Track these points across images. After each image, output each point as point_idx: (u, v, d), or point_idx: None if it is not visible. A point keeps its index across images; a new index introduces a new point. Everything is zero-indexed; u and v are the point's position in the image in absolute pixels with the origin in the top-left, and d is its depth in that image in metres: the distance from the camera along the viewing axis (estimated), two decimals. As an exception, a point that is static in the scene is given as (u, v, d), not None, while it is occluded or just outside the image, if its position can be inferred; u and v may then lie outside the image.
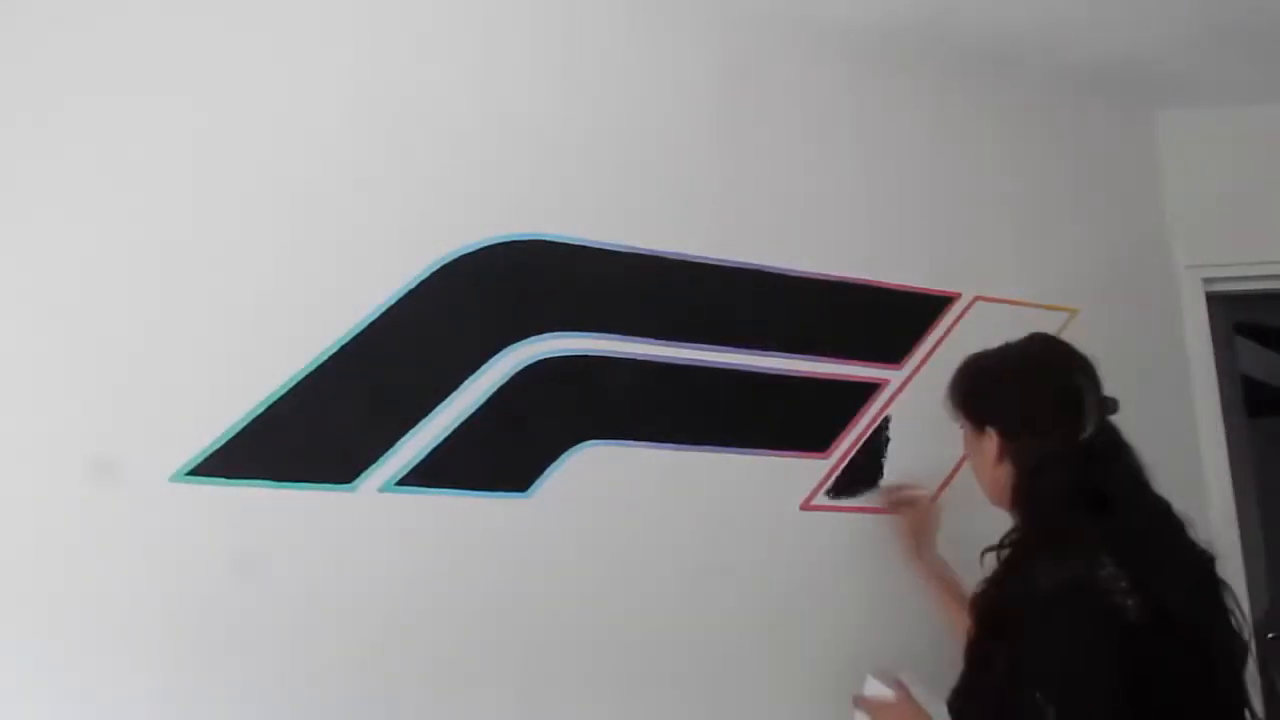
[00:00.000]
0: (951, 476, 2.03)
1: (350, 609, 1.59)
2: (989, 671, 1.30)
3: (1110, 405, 1.41)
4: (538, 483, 1.74)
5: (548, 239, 1.83)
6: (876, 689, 1.62)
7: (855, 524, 1.96)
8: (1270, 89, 2.40)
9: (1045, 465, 1.37)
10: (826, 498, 1.95)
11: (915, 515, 1.89)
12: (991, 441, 1.46)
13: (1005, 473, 1.44)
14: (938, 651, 1.93)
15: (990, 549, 1.41)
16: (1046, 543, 1.32)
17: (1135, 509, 1.35)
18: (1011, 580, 1.33)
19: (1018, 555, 1.36)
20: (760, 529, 1.88)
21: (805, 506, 1.93)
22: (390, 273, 1.71)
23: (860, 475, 1.99)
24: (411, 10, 1.83)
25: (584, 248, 1.85)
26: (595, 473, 1.78)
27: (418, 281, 1.72)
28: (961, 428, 1.55)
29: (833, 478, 1.96)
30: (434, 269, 1.74)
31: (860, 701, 1.63)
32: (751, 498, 1.89)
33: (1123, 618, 1.21)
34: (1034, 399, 1.44)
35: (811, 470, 1.94)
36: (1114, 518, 1.31)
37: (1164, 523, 1.37)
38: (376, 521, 1.63)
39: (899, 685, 1.57)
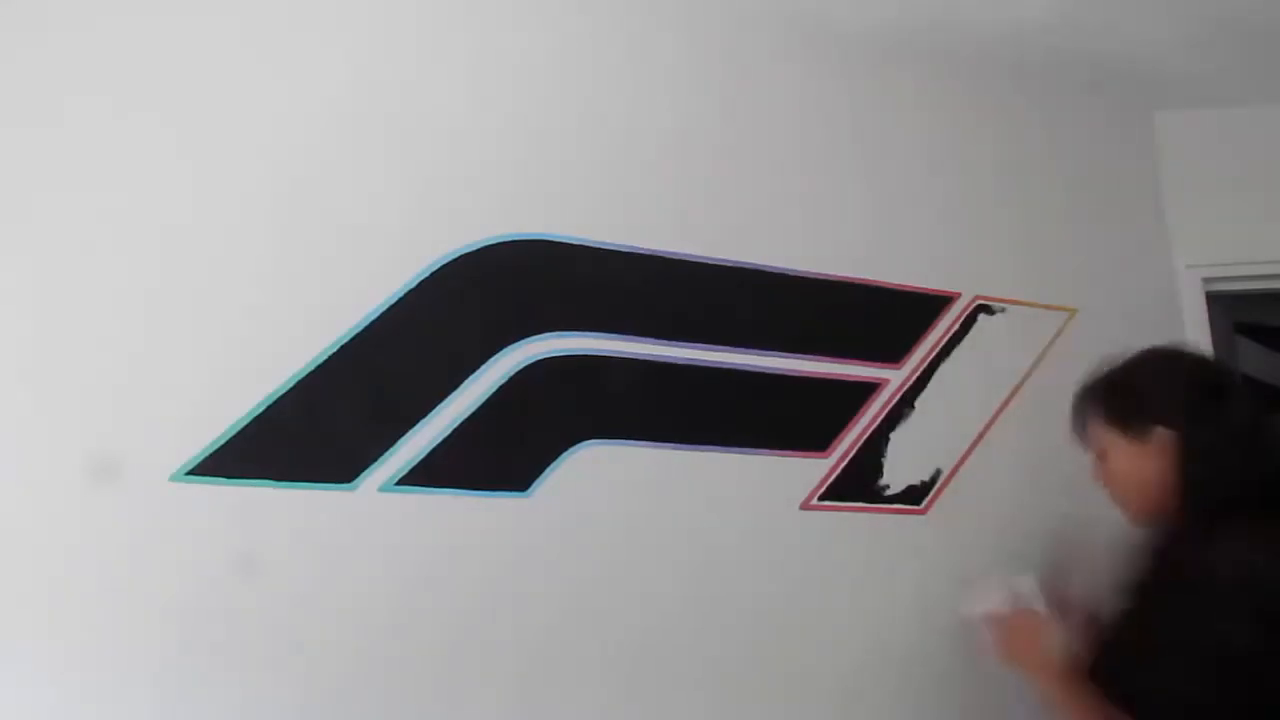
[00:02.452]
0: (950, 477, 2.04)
1: (350, 608, 1.59)
2: (1138, 631, 1.31)
3: (1254, 398, 1.43)
4: (538, 482, 1.74)
5: (548, 239, 1.83)
6: (1030, 588, 1.55)
7: (855, 524, 1.96)
8: (1270, 89, 2.40)
9: (1209, 454, 1.37)
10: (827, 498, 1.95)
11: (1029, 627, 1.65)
12: (1159, 444, 1.43)
13: (1161, 477, 1.42)
14: (938, 651, 1.94)
15: (1157, 533, 1.40)
16: (1213, 525, 1.31)
17: None
18: (1175, 554, 1.34)
19: (1184, 532, 1.35)
20: (760, 529, 1.88)
21: (805, 506, 1.93)
22: (390, 272, 1.71)
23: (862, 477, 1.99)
24: (411, 10, 1.83)
25: (584, 247, 1.85)
26: (595, 473, 1.78)
27: (418, 281, 1.72)
28: (1097, 450, 1.52)
29: (832, 477, 1.96)
30: (434, 269, 1.74)
31: (1004, 587, 1.57)
32: (751, 498, 1.89)
33: (1272, 602, 1.22)
34: (1196, 394, 1.44)
35: (811, 470, 1.94)
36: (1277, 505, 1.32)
37: None
38: (377, 521, 1.63)
39: (1060, 600, 1.51)
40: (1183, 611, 1.28)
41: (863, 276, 2.07)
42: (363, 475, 1.63)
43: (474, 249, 1.77)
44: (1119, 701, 1.30)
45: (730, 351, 1.92)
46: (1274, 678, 1.22)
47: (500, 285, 1.79)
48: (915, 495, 2.02)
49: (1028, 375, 2.17)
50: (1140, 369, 1.52)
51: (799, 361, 1.97)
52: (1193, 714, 1.24)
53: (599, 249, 1.86)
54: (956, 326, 2.14)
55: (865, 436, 2.00)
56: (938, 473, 2.04)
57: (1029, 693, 1.53)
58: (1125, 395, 1.50)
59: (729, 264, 1.95)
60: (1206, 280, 2.39)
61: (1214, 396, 1.42)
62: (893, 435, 2.03)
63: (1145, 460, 1.45)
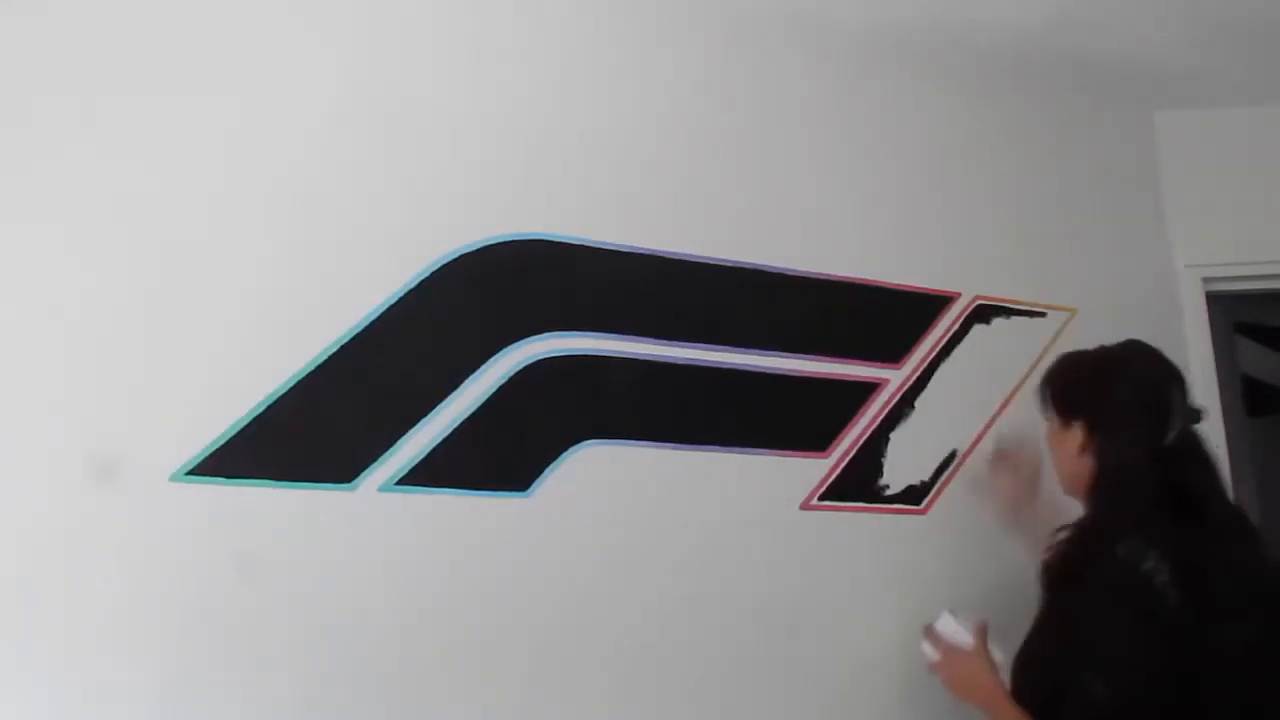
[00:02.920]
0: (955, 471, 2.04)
1: (350, 608, 1.59)
2: (1048, 640, 1.39)
3: (1194, 415, 1.47)
4: (538, 482, 1.74)
5: (548, 239, 1.83)
6: (951, 627, 1.58)
7: (855, 524, 1.96)
8: (1270, 89, 2.40)
9: (1125, 463, 1.43)
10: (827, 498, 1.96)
11: (1015, 480, 1.89)
12: (1076, 435, 1.50)
13: (1085, 466, 1.49)
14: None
15: (1063, 528, 1.46)
16: (1110, 530, 1.37)
17: (1206, 514, 1.40)
18: (1074, 561, 1.40)
19: (1083, 537, 1.42)
20: (760, 529, 1.88)
21: (805, 506, 1.93)
22: (390, 272, 1.71)
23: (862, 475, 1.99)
24: (411, 9, 1.83)
25: (584, 247, 1.85)
26: (595, 473, 1.78)
27: (418, 281, 1.72)
28: (1047, 419, 1.59)
29: (832, 477, 1.96)
30: (434, 269, 1.74)
31: (930, 634, 1.61)
32: (751, 497, 1.89)
33: (1162, 604, 1.28)
34: (1123, 398, 1.49)
35: (811, 470, 1.94)
36: (1184, 519, 1.37)
37: (1234, 532, 1.43)
38: (377, 521, 1.63)
39: (979, 631, 1.56)
40: (1080, 615, 1.35)
41: (863, 276, 2.07)
42: (363, 475, 1.63)
43: (474, 249, 1.77)
44: (1035, 709, 1.36)
45: (730, 351, 1.92)
46: (1174, 678, 1.27)
47: (500, 285, 1.79)
48: (915, 495, 2.02)
49: (1028, 375, 2.16)
50: (1095, 361, 1.58)
51: (799, 361, 1.97)
52: (1097, 715, 1.29)
53: (599, 249, 1.86)
54: (956, 326, 2.14)
55: (865, 436, 2.01)
56: (938, 473, 2.04)
57: None
58: (1067, 378, 1.58)
59: (729, 264, 1.95)
60: (1206, 280, 2.39)
61: (1146, 413, 1.45)
62: (893, 435, 2.03)
63: (1067, 445, 1.52)
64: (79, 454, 1.49)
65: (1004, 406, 2.12)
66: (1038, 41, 2.18)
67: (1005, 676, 1.48)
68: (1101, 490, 1.46)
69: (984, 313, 2.17)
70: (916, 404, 2.06)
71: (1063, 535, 1.45)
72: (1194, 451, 1.46)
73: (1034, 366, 2.17)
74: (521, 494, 1.73)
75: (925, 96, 2.24)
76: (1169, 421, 1.43)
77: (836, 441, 1.98)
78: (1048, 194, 2.31)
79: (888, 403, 2.04)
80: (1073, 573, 1.39)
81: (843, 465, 1.97)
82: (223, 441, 1.56)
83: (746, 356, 1.93)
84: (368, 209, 1.72)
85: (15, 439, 1.47)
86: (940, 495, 2.03)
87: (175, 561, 1.51)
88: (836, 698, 1.87)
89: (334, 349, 1.65)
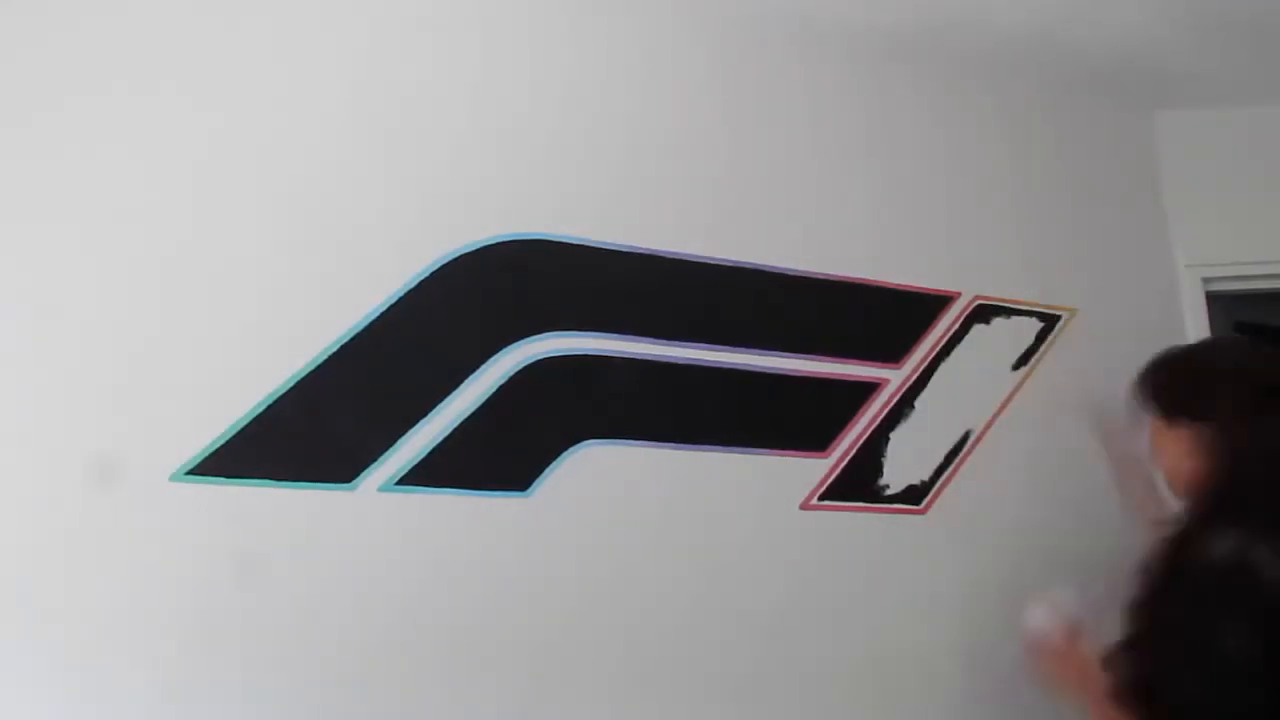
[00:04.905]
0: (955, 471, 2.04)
1: (350, 608, 1.59)
2: (1145, 627, 1.35)
3: None
4: (538, 482, 1.74)
5: (548, 239, 1.83)
6: (1060, 608, 1.56)
7: (855, 524, 1.96)
8: (1270, 89, 2.40)
9: (1236, 457, 1.40)
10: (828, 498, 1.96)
11: (1139, 467, 1.77)
12: (1184, 434, 1.46)
13: (1195, 465, 1.44)
14: (938, 650, 1.95)
15: (1169, 522, 1.43)
16: (1218, 520, 1.34)
17: None
18: (1175, 553, 1.37)
19: (1185, 532, 1.38)
20: (760, 529, 1.88)
21: (805, 506, 1.93)
22: (390, 272, 1.71)
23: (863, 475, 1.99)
24: (411, 10, 1.83)
25: (584, 247, 1.85)
26: (595, 473, 1.78)
27: (418, 281, 1.72)
28: (1150, 425, 1.54)
29: (832, 477, 1.96)
30: (434, 269, 1.74)
31: (1046, 608, 1.58)
32: (751, 497, 1.89)
33: (1272, 597, 1.25)
34: (1227, 393, 1.45)
35: (811, 470, 1.94)
36: None
37: None
38: (377, 521, 1.63)
39: (1077, 623, 1.53)
40: (1181, 608, 1.32)
41: (863, 276, 2.07)
42: (363, 475, 1.63)
43: (474, 249, 1.77)
44: (1123, 697, 1.33)
45: (730, 351, 1.92)
46: (1269, 681, 1.24)
47: (500, 285, 1.79)
48: (915, 495, 2.02)
49: (1028, 375, 2.17)
50: (1206, 355, 1.56)
51: (799, 361, 1.97)
52: (1188, 712, 1.27)
53: (599, 249, 1.86)
54: (956, 326, 2.14)
55: (865, 436, 2.00)
56: (938, 473, 2.04)
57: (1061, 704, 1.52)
58: (1172, 379, 1.53)
59: (729, 264, 1.95)
60: (1206, 280, 2.39)
61: (1259, 399, 1.42)
62: (893, 435, 2.03)
63: (1178, 447, 1.47)
64: (79, 454, 1.49)
65: (1004, 407, 2.12)
66: (1038, 41, 2.18)
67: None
68: (1214, 490, 1.41)
69: (984, 313, 2.17)
70: (916, 404, 2.06)
71: (1168, 528, 1.41)
72: None
73: (1034, 366, 2.17)
74: (521, 494, 1.73)
75: (925, 96, 2.24)
76: (1275, 415, 1.40)
77: (836, 441, 1.98)
78: (1048, 194, 2.31)
79: (888, 403, 2.04)
80: (1177, 564, 1.35)
81: (843, 465, 1.97)
82: (223, 441, 1.56)
83: (746, 356, 1.93)
84: (368, 209, 1.72)
85: (15, 439, 1.47)
86: (940, 495, 2.03)
87: (175, 561, 1.51)
88: (836, 697, 1.87)
89: (334, 349, 1.65)
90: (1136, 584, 1.40)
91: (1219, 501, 1.39)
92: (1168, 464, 1.51)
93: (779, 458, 1.92)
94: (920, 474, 2.03)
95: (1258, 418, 1.41)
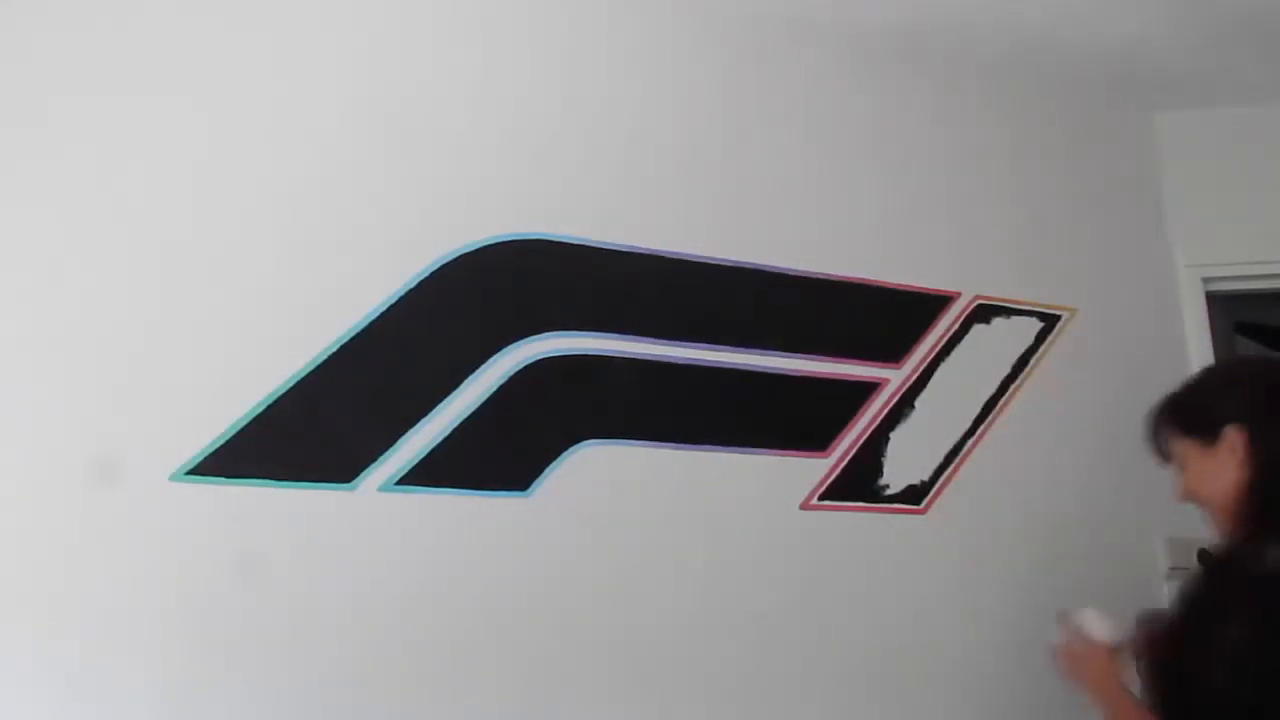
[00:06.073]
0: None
1: (350, 608, 1.59)
2: (1193, 635, 1.31)
3: None
4: (538, 482, 1.74)
5: (548, 239, 1.83)
6: (1095, 622, 1.52)
7: (855, 524, 1.96)
8: (1270, 89, 2.40)
9: (1274, 465, 1.37)
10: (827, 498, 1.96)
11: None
12: (1226, 444, 1.42)
13: (1235, 480, 1.40)
14: (938, 650, 1.94)
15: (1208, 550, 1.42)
16: (1266, 536, 1.31)
17: None
18: (1226, 564, 1.35)
19: (1236, 544, 1.36)
20: (760, 529, 1.88)
21: (805, 506, 1.93)
22: (390, 272, 1.71)
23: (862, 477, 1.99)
24: (411, 10, 1.83)
25: (584, 247, 1.85)
26: (595, 473, 1.78)
27: (418, 281, 1.72)
28: (1178, 460, 1.50)
29: (832, 477, 1.96)
30: (434, 269, 1.74)
31: (1065, 623, 1.54)
32: (751, 497, 1.89)
33: None
34: (1248, 389, 1.44)
35: (811, 470, 1.94)
36: None
37: None
38: (377, 521, 1.63)
39: (1113, 631, 1.50)
40: (1230, 617, 1.28)
41: (863, 276, 2.07)
42: (363, 475, 1.63)
43: (474, 249, 1.77)
44: (1161, 706, 1.31)
45: (730, 351, 1.92)
46: None
47: (500, 285, 1.79)
48: (915, 495, 2.02)
49: (1028, 375, 2.17)
50: (1205, 378, 1.55)
51: (799, 361, 1.97)
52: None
53: (599, 249, 1.86)
54: (956, 326, 2.14)
55: (865, 436, 2.00)
56: (938, 473, 2.04)
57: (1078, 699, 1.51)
58: (1193, 402, 1.50)
59: (729, 264, 1.95)
60: (1206, 280, 2.39)
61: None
62: (893, 435, 2.03)
63: (1219, 463, 1.43)
64: (79, 454, 1.49)
65: (1004, 407, 2.12)
66: (1038, 42, 2.18)
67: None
68: (1259, 485, 1.37)
69: (984, 313, 2.17)
70: (916, 404, 2.06)
71: (1219, 546, 1.39)
72: None
73: (1034, 366, 2.17)
74: (521, 494, 1.73)
75: (926, 97, 2.24)
76: None
77: (836, 441, 1.98)
78: (1048, 194, 2.31)
79: (888, 403, 2.04)
80: (1229, 574, 1.33)
81: (843, 465, 1.97)
82: (223, 441, 1.56)
83: (746, 356, 1.93)
84: (368, 209, 1.72)
85: (15, 439, 1.47)
86: (940, 495, 2.03)
87: (175, 561, 1.51)
88: (836, 697, 1.87)
89: (334, 349, 1.65)
90: (1183, 600, 1.37)
91: (1259, 514, 1.36)
92: (1211, 485, 1.44)
93: (779, 458, 1.92)
94: (920, 474, 2.03)
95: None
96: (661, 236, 1.91)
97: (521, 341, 1.77)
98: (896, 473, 2.01)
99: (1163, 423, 1.51)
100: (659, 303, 1.89)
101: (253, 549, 1.56)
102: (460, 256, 1.76)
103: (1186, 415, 1.49)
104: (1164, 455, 1.51)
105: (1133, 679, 1.42)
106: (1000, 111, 2.31)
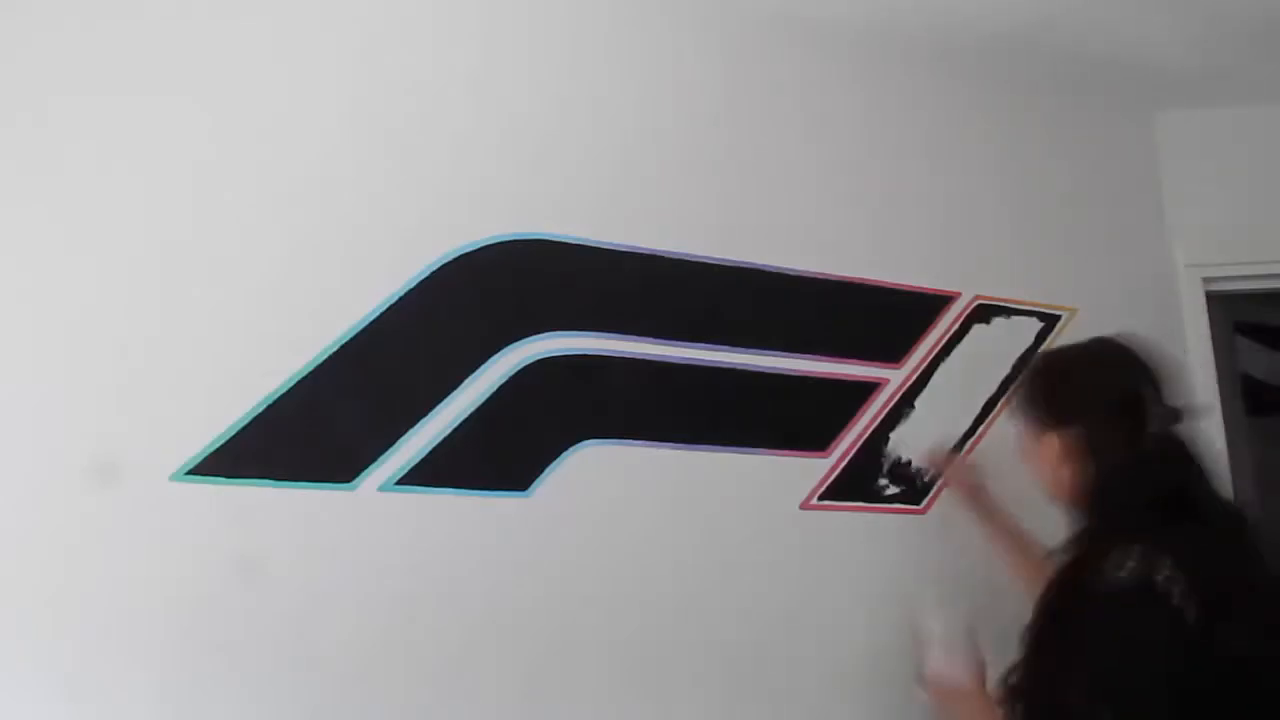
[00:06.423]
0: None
1: (350, 608, 1.59)
2: (1048, 658, 1.31)
3: (1173, 415, 1.40)
4: (538, 482, 1.74)
5: (549, 238, 1.83)
6: (936, 630, 1.54)
7: (855, 524, 1.96)
8: (1270, 89, 2.40)
9: (1112, 467, 1.38)
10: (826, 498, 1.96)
11: (962, 480, 1.95)
12: (1053, 441, 1.44)
13: (1068, 473, 1.43)
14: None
15: (1061, 545, 1.41)
16: (1109, 543, 1.30)
17: (1203, 515, 1.34)
18: (1074, 577, 1.34)
19: (1082, 554, 1.36)
20: (760, 529, 1.88)
21: (805, 506, 1.93)
22: (390, 272, 1.71)
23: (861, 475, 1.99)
24: (412, 10, 1.83)
25: (584, 247, 1.85)
26: (595, 472, 1.78)
27: (418, 281, 1.72)
28: (1023, 427, 1.53)
29: (832, 477, 1.96)
30: (434, 268, 1.74)
31: (929, 682, 1.54)
32: (751, 497, 1.89)
33: (1181, 620, 1.21)
34: (1095, 400, 1.44)
35: (811, 470, 1.95)
36: (1180, 522, 1.31)
37: (1234, 531, 1.37)
38: (377, 521, 1.63)
39: (976, 668, 1.51)
40: (1091, 634, 1.27)
41: (863, 276, 2.07)
42: (363, 475, 1.63)
43: (474, 249, 1.77)
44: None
45: (730, 351, 1.92)
46: (1192, 694, 1.20)
47: (500, 285, 1.79)
48: (915, 495, 2.02)
49: (1028, 375, 2.17)
50: (1063, 362, 1.54)
51: (799, 361, 1.97)
52: None
53: (599, 249, 1.86)
54: (956, 326, 2.14)
55: (865, 436, 2.01)
56: (938, 473, 2.04)
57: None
58: (1047, 383, 1.52)
59: (729, 264, 1.95)
60: (1206, 280, 2.39)
61: (1129, 405, 1.40)
62: (893, 435, 2.03)
63: (1052, 451, 1.45)
64: (79, 454, 1.49)
65: (1004, 406, 2.12)
66: (1038, 41, 2.18)
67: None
68: (1094, 499, 1.39)
69: (984, 313, 2.17)
70: (916, 403, 2.06)
71: (1062, 551, 1.39)
72: (1178, 451, 1.39)
73: (1034, 366, 2.17)
74: (521, 494, 1.73)
75: (925, 96, 2.24)
76: (1145, 422, 1.38)
77: (836, 441, 1.98)
78: (1048, 194, 2.31)
79: (888, 402, 2.04)
80: (1078, 588, 1.32)
81: (843, 465, 1.97)
82: (223, 441, 1.56)
83: (746, 356, 1.93)
84: (368, 209, 1.72)
85: (15, 439, 1.47)
86: (940, 495, 2.03)
87: (175, 561, 1.51)
88: (836, 698, 1.87)
89: (334, 349, 1.65)
90: (1036, 612, 1.36)
91: (1104, 518, 1.37)
92: (1042, 472, 1.48)
93: (779, 458, 1.92)
94: (920, 474, 2.03)
95: (1122, 421, 1.39)
96: (661, 236, 1.91)
97: (521, 341, 1.78)
98: (896, 473, 2.01)
99: (1021, 384, 1.57)
100: (659, 303, 1.89)
101: (253, 549, 1.56)
102: (460, 256, 1.76)
103: (1037, 391, 1.52)
104: (1016, 415, 1.54)
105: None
106: (1000, 111, 2.31)
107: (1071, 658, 1.27)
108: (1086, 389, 1.46)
